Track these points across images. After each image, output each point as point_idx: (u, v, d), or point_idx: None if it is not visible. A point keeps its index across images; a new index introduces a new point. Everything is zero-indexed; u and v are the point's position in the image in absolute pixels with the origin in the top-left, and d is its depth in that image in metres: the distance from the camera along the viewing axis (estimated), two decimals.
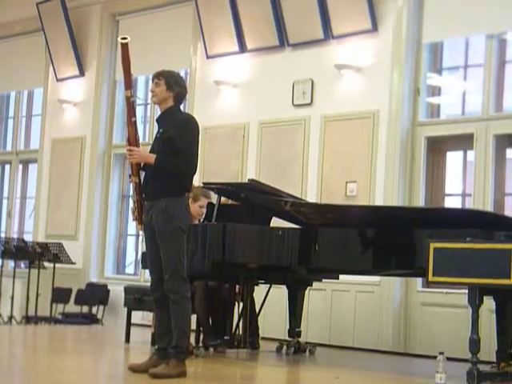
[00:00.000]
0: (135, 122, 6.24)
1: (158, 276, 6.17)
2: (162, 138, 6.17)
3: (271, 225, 8.32)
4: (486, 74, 8.83)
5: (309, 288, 8.61)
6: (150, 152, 6.24)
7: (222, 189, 7.85)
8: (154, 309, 6.49)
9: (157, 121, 6.41)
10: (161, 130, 6.23)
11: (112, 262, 12.39)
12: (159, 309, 6.27)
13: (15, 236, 13.36)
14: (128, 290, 8.71)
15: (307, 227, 7.76)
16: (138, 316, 9.41)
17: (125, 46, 6.24)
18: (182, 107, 6.44)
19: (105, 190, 12.37)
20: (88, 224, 12.32)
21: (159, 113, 6.40)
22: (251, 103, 10.57)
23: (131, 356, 7.90)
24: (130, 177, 6.29)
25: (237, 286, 8.17)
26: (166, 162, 6.09)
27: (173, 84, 6.24)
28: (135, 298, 8.52)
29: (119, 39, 6.29)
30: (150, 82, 6.45)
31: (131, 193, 6.34)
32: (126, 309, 8.74)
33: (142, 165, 6.21)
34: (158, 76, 6.29)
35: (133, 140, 6.19)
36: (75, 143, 12.60)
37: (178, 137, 6.10)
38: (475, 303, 6.25)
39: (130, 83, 6.27)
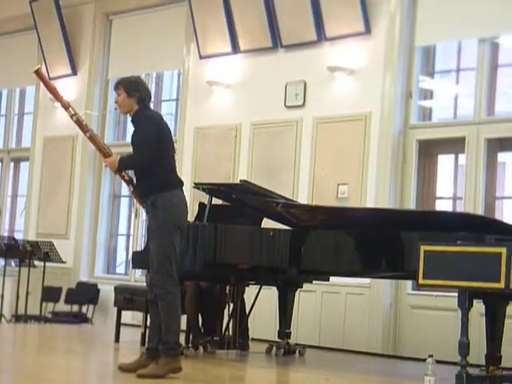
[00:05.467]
0: (90, 135, 6.33)
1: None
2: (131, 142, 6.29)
3: (262, 226, 8.33)
4: (478, 78, 8.85)
5: (299, 290, 8.61)
6: None
7: (214, 189, 7.85)
8: (149, 309, 6.46)
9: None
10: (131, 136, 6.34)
11: (102, 261, 12.38)
12: (152, 309, 6.26)
13: (6, 234, 13.32)
14: (118, 290, 8.71)
15: (298, 228, 7.77)
16: (127, 316, 9.41)
17: (38, 73, 6.41)
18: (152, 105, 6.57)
19: (96, 190, 12.36)
20: (79, 223, 12.31)
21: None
22: (244, 104, 10.58)
23: (121, 355, 7.90)
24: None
25: (227, 287, 8.18)
26: (126, 161, 6.19)
27: (131, 90, 6.27)
28: (125, 298, 8.52)
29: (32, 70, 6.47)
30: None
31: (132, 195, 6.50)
32: (115, 308, 8.74)
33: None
34: (117, 85, 6.34)
35: (101, 152, 6.33)
36: (67, 142, 12.58)
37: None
38: (465, 306, 6.26)
39: (64, 103, 6.37)
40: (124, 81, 6.38)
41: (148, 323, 6.95)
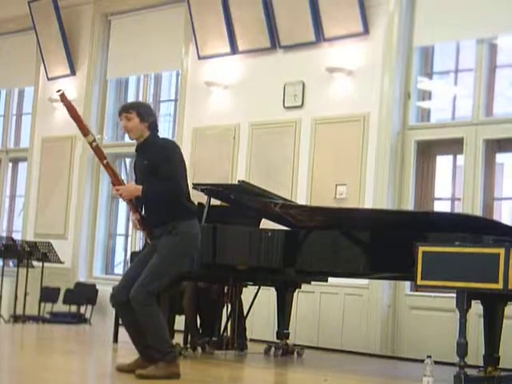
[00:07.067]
0: (108, 163, 6.10)
1: (128, 283, 6.02)
2: (148, 170, 6.04)
3: (261, 226, 8.33)
4: (476, 79, 8.86)
5: (297, 290, 8.61)
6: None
7: (212, 190, 7.85)
8: (119, 312, 6.30)
9: (136, 151, 6.24)
10: (145, 162, 6.07)
11: (101, 261, 12.38)
12: (122, 313, 6.16)
13: (4, 234, 13.32)
14: None
15: (296, 229, 7.76)
16: None
17: (63, 97, 6.12)
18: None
19: (94, 190, 12.36)
20: (77, 223, 12.31)
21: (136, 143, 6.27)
22: (242, 105, 10.58)
23: (119, 356, 7.89)
24: (131, 215, 6.22)
25: (225, 287, 8.17)
26: (153, 188, 5.97)
27: (144, 114, 6.08)
28: None
29: (56, 94, 6.19)
30: (118, 117, 6.23)
31: (138, 226, 6.20)
32: (114, 309, 8.72)
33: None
34: (128, 109, 6.12)
35: (115, 180, 6.09)
36: (65, 142, 12.59)
37: (163, 164, 5.97)
38: (463, 307, 6.26)
39: (85, 129, 6.11)
40: (136, 105, 6.22)
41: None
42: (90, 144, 6.11)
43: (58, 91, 6.17)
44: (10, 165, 14.05)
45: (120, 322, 8.59)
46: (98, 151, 6.12)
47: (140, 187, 6.01)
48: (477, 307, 6.94)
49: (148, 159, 6.07)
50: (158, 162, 6.00)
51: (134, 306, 5.91)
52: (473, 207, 8.62)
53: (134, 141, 6.22)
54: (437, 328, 8.58)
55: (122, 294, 6.02)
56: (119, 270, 12.39)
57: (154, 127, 6.14)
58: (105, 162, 6.10)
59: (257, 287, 8.50)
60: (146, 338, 6.04)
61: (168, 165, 5.98)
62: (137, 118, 6.06)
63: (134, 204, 6.10)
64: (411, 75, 9.31)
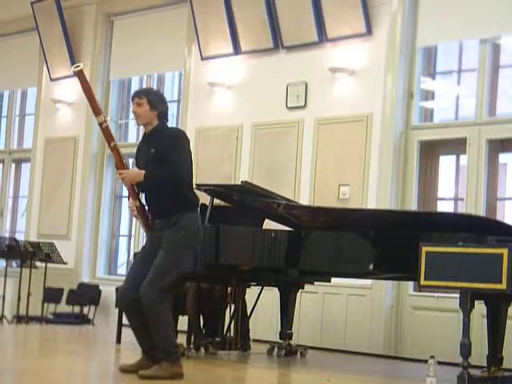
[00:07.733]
0: (115, 145, 6.08)
1: (134, 281, 6.03)
2: (155, 159, 6.02)
3: (264, 227, 8.32)
4: (479, 79, 8.85)
5: (301, 291, 8.61)
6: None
7: (215, 190, 7.85)
8: (126, 313, 6.29)
9: (143, 139, 6.24)
10: (152, 151, 6.04)
11: (104, 262, 12.38)
12: (129, 314, 6.14)
13: (7, 235, 13.33)
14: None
15: (299, 229, 7.76)
16: None
17: (80, 73, 6.05)
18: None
19: (97, 190, 12.36)
20: (80, 224, 12.31)
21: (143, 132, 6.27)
22: (245, 105, 10.58)
23: (122, 356, 7.90)
24: (128, 199, 6.21)
25: (228, 288, 8.17)
26: (156, 174, 5.97)
27: (155, 102, 6.10)
28: None
29: (72, 68, 6.13)
30: (131, 101, 6.20)
31: (135, 213, 6.16)
32: (117, 309, 8.73)
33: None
34: (139, 95, 6.13)
35: (119, 164, 6.06)
36: (68, 143, 12.59)
37: (170, 152, 5.97)
38: (466, 307, 6.27)
39: (97, 108, 6.09)
40: (148, 92, 6.22)
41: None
42: (100, 124, 6.10)
43: (77, 67, 6.10)
44: (13, 165, 14.06)
45: (124, 322, 8.62)
46: (106, 132, 6.11)
47: (142, 172, 6.01)
48: (480, 307, 6.93)
49: (156, 147, 6.06)
50: (166, 150, 6.00)
51: (143, 303, 5.90)
52: (476, 207, 8.61)
53: (137, 141, 6.22)
54: (440, 328, 8.58)
55: (130, 292, 6.03)
56: (122, 270, 12.39)
57: (163, 116, 6.17)
58: (112, 144, 6.09)
59: (260, 287, 8.50)
60: (151, 339, 6.04)
61: (174, 153, 5.98)
62: (147, 104, 6.08)
63: (135, 190, 6.09)
64: (414, 75, 9.31)
